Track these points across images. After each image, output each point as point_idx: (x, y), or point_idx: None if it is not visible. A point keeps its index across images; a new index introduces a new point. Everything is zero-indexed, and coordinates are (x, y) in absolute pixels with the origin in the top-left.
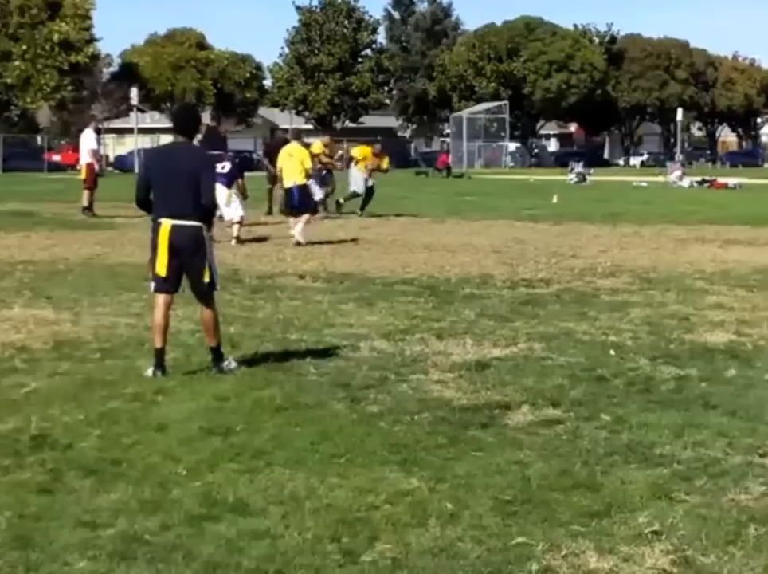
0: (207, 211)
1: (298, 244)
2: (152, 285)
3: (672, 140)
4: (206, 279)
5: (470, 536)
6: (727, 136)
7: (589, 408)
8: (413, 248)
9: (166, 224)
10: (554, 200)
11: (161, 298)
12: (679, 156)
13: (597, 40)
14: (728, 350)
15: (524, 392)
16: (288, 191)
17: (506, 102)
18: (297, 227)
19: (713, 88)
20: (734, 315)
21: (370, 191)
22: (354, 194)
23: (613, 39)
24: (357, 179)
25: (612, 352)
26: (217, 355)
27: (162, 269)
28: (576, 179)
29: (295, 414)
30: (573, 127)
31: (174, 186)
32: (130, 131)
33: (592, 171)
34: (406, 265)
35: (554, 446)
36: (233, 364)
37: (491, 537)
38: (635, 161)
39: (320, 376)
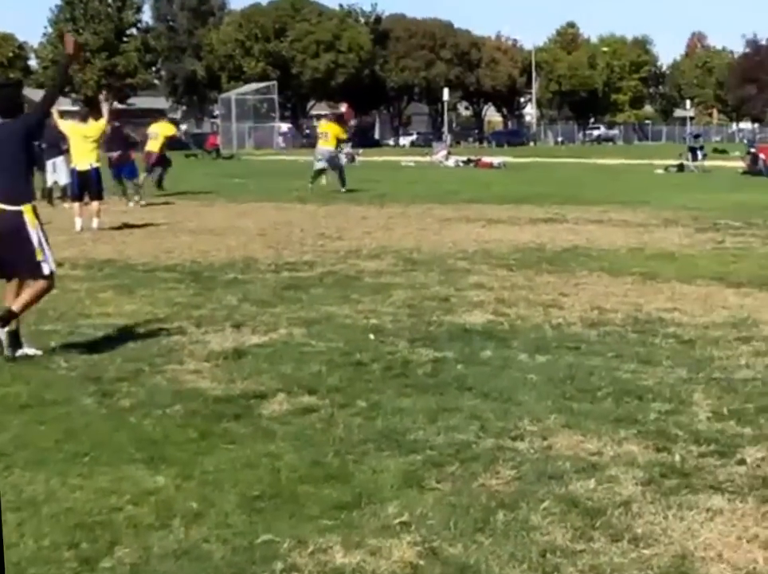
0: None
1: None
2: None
3: (440, 120)
4: (39, 257)
5: (215, 536)
6: (493, 116)
7: (346, 395)
8: (178, 232)
9: None
10: (323, 182)
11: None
12: (446, 136)
13: (362, 20)
14: (486, 330)
15: (281, 380)
16: (86, 174)
17: (274, 82)
18: (94, 221)
19: (478, 68)
20: (494, 294)
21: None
22: (320, 172)
23: (378, 19)
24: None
25: (371, 336)
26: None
27: None
28: (345, 160)
29: (41, 412)
30: (343, 108)
31: None
32: None
33: (361, 151)
34: (170, 250)
35: (307, 435)
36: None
37: (237, 536)
38: (405, 141)
39: (71, 370)
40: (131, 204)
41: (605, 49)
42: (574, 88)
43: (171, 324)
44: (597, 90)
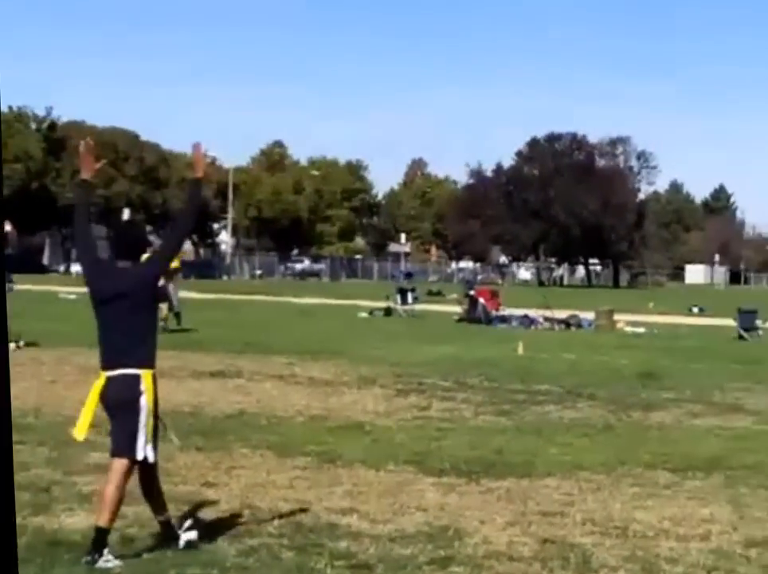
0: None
1: None
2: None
3: None
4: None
5: None
6: (184, 244)
7: None
8: None
9: None
10: None
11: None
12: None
13: (34, 125)
14: (85, 542)
15: None
16: None
17: None
18: None
19: (166, 188)
20: None
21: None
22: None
23: (53, 125)
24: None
25: None
26: None
27: None
28: None
29: None
30: (7, 227)
31: None
32: None
33: (13, 277)
34: None
35: None
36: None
37: None
38: (77, 267)
39: None
40: None
41: (314, 172)
42: (276, 215)
43: None
44: (302, 218)
